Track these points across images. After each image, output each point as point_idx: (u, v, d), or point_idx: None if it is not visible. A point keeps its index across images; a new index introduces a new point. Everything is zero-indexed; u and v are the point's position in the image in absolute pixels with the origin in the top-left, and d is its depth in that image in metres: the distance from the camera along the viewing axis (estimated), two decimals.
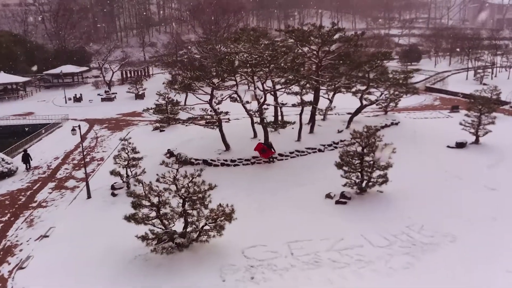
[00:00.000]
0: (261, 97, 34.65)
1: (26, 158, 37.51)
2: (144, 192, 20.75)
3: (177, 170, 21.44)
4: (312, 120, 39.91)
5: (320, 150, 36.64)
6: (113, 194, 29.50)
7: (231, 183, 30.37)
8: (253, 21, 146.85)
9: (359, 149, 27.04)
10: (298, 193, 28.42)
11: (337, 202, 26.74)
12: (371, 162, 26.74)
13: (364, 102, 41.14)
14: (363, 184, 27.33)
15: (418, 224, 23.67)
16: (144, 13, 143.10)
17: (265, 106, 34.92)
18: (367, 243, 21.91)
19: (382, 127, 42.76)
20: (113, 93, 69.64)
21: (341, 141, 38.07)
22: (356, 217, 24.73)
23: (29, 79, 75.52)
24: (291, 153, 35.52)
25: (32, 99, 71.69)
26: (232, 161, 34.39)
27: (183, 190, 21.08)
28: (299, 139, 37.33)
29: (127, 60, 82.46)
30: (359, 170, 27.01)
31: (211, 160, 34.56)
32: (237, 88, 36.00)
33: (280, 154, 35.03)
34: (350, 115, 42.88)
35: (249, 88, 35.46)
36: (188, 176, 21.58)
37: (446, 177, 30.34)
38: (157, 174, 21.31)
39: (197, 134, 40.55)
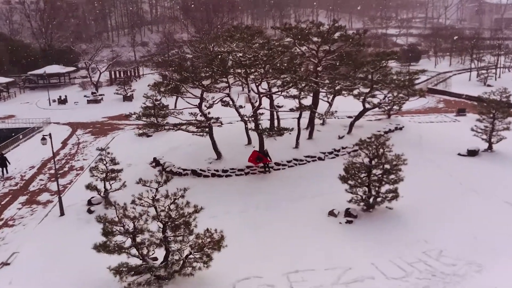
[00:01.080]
0: (256, 101, 31.54)
1: (3, 163, 34.28)
2: (118, 216, 17.56)
3: (157, 189, 18.24)
4: (311, 125, 36.80)
5: (320, 159, 33.56)
6: (90, 211, 26.24)
7: (222, 198, 27.24)
8: (248, 20, 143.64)
9: (366, 160, 24.00)
10: (297, 210, 25.31)
11: (342, 221, 23.62)
12: (380, 175, 23.67)
13: (367, 106, 38.09)
14: (371, 200, 24.26)
15: (436, 249, 20.58)
16: (136, 12, 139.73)
17: (260, 111, 31.83)
18: (379, 274, 18.79)
19: (386, 132, 39.73)
20: (100, 95, 66.25)
21: (343, 148, 35.10)
22: (365, 240, 21.63)
23: (12, 80, 71.92)
24: (288, 162, 32.41)
25: (15, 101, 68.18)
26: (223, 171, 31.21)
27: (163, 214, 17.89)
28: (297, 146, 34.24)
29: (116, 60, 79.04)
30: (367, 184, 23.93)
31: (200, 170, 31.36)
32: (229, 91, 32.87)
33: (276, 163, 31.91)
34: (351, 119, 39.85)
35: (243, 89, 32.29)
36: (170, 196, 18.39)
37: (461, 190, 27.30)
38: (133, 195, 18.10)
39: (186, 140, 37.35)
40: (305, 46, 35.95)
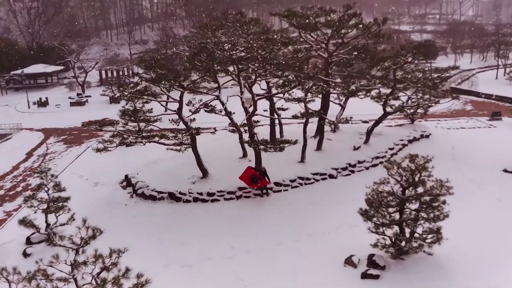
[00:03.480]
0: (250, 105, 25.00)
1: None
2: None
3: (77, 250, 11.75)
4: (320, 134, 30.16)
5: (331, 176, 26.88)
6: (25, 254, 19.75)
7: (202, 235, 20.69)
8: (253, 16, 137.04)
9: (397, 188, 17.34)
10: (301, 255, 18.69)
11: (365, 275, 16.93)
12: (418, 210, 16.97)
13: (388, 109, 31.34)
14: (404, 244, 17.57)
15: None
16: (136, 9, 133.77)
17: (257, 117, 25.30)
18: None
19: (410, 141, 33.11)
20: (86, 97, 59.93)
21: (360, 162, 28.45)
22: None
23: None
24: (292, 181, 25.79)
25: None
26: (209, 194, 24.63)
27: None
28: (302, 159, 27.65)
29: (105, 58, 72.67)
30: (398, 223, 17.25)
31: (180, 193, 24.80)
32: (219, 92, 26.34)
33: (276, 183, 25.31)
34: (368, 125, 33.18)
35: (241, 91, 25.58)
36: (105, 257, 11.89)
37: None
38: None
39: (168, 152, 30.85)
40: (312, 37, 29.34)
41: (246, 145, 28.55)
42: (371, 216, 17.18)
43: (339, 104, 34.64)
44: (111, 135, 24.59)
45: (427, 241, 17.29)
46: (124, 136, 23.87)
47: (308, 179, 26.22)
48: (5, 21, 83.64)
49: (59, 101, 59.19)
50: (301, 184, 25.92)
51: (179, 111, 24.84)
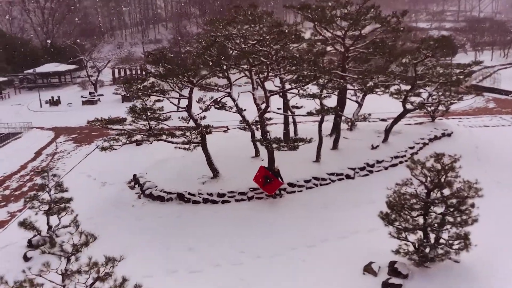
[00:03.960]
0: (262, 102, 23.79)
1: None
2: None
3: (69, 258, 10.73)
4: (336, 132, 28.83)
5: (348, 177, 25.52)
6: (26, 258, 18.81)
7: (211, 238, 19.52)
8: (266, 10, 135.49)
9: (421, 189, 15.97)
10: (316, 261, 17.43)
11: (386, 285, 15.59)
12: (443, 214, 15.58)
13: (408, 106, 29.83)
14: (428, 250, 16.18)
15: None
16: (151, 8, 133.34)
17: (269, 115, 24.08)
18: None
19: (431, 140, 31.56)
20: (98, 95, 59.33)
21: (378, 162, 27.02)
22: None
23: (5, 79, 65.66)
24: (306, 181, 24.49)
25: (7, 103, 61.86)
26: (219, 195, 23.48)
27: None
28: (318, 159, 26.34)
29: (117, 57, 72.01)
30: (422, 227, 15.87)
31: (189, 194, 23.69)
32: (231, 89, 25.19)
33: (290, 184, 24.05)
34: (386, 123, 31.73)
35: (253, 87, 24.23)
36: (100, 266, 10.80)
37: None
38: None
39: (178, 151, 29.83)
40: (328, 31, 28.01)
41: (258, 144, 27.39)
42: (393, 220, 15.83)
43: (356, 102, 33.24)
44: (117, 133, 23.46)
45: (454, 247, 15.88)
46: (131, 134, 22.75)
47: (323, 179, 24.90)
48: (19, 20, 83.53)
49: (71, 100, 58.67)
50: (316, 185, 24.61)
51: (188, 108, 23.73)
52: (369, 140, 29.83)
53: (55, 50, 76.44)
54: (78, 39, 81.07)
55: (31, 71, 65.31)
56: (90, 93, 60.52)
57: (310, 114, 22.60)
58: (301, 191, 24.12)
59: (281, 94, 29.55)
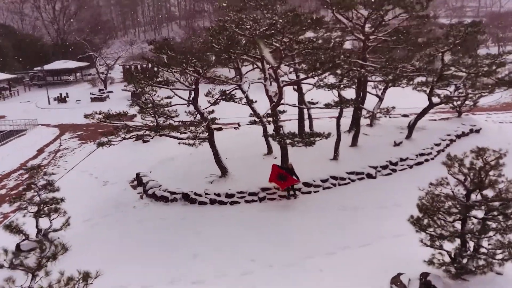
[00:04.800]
0: (275, 94, 21.71)
1: None
2: None
3: (34, 273, 8.81)
4: (355, 127, 26.64)
5: (370, 176, 23.32)
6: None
7: (219, 245, 17.47)
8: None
9: (458, 190, 13.72)
10: (336, 272, 15.24)
11: None
12: (487, 218, 13.31)
13: (435, 100, 27.47)
14: (466, 260, 13.91)
15: None
16: (164, 6, 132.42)
17: (282, 107, 21.97)
18: None
19: (458, 136, 29.15)
20: (107, 92, 57.91)
21: (402, 160, 24.76)
22: None
23: (14, 76, 64.67)
24: (323, 181, 22.36)
25: (16, 100, 60.90)
26: (228, 195, 21.46)
27: None
28: (335, 157, 24.20)
29: (127, 53, 70.48)
30: (460, 234, 13.62)
31: (195, 194, 21.72)
32: (241, 80, 23.19)
33: (306, 184, 21.93)
34: (410, 119, 29.45)
35: (265, 78, 21.97)
36: (75, 281, 8.85)
37: None
38: None
39: (187, 148, 27.90)
40: (347, 18, 25.78)
41: (271, 140, 25.33)
42: (426, 225, 13.61)
43: (376, 95, 30.96)
44: (114, 127, 21.61)
45: (497, 257, 13.60)
46: (131, 128, 20.86)
47: (342, 178, 22.74)
48: (31, 18, 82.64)
49: (80, 97, 57.32)
50: (334, 185, 22.46)
51: (194, 101, 21.76)
52: (390, 137, 27.60)
53: (66, 47, 75.34)
54: (89, 36, 79.82)
55: (39, 68, 64.16)
56: (100, 90, 59.25)
57: (328, 106, 20.41)
58: (317, 191, 21.98)
59: (295, 87, 27.54)
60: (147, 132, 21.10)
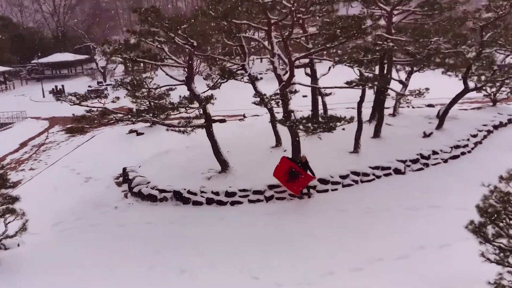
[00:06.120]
0: (285, 72, 18.08)
1: None
2: None
3: None
4: (378, 115, 22.91)
5: (398, 171, 19.58)
6: None
7: (215, 257, 13.85)
8: None
9: None
10: None
11: None
12: None
13: (471, 85, 23.64)
14: None
15: None
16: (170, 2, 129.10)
17: (294, 87, 18.28)
18: None
19: (495, 127, 25.36)
20: (106, 85, 54.57)
21: (435, 152, 20.96)
22: None
23: (9, 69, 61.62)
24: (343, 177, 18.66)
25: (11, 93, 57.83)
26: (228, 194, 17.84)
27: None
28: (356, 149, 20.51)
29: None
30: None
31: (189, 192, 18.13)
32: (246, 59, 19.55)
33: (321, 181, 18.25)
34: (439, 108, 25.75)
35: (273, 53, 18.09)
36: None
37: None
38: None
39: (183, 140, 24.38)
40: None
41: (280, 130, 21.73)
42: (491, 237, 9.88)
43: (400, 81, 27.31)
44: (87, 110, 18.13)
45: None
46: (107, 112, 17.36)
47: (365, 174, 19.03)
48: (30, 10, 79.69)
49: (78, 90, 53.72)
50: (356, 182, 18.75)
51: (188, 81, 18.17)
52: (418, 127, 23.88)
53: (66, 40, 72.21)
54: (91, 28, 76.54)
55: (35, 61, 61.12)
56: (98, 83, 56.06)
57: (349, 84, 16.58)
58: (336, 189, 18.29)
59: (308, 71, 23.93)
60: (127, 117, 17.52)
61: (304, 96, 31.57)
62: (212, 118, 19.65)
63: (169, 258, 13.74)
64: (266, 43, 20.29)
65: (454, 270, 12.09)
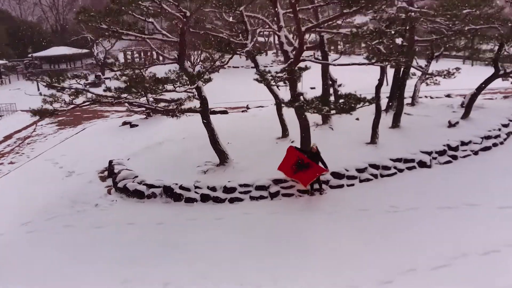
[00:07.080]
0: (293, 48, 15.53)
1: None
2: None
3: None
4: (398, 102, 20.36)
5: (423, 164, 17.02)
6: None
7: (208, 267, 11.30)
8: None
9: None
10: None
11: None
12: None
13: (502, 69, 21.01)
14: None
15: None
16: None
17: (303, 64, 15.68)
18: None
19: None
20: (105, 78, 52.44)
21: (464, 143, 18.35)
22: None
23: (4, 63, 59.47)
24: (360, 171, 16.11)
25: (5, 88, 55.63)
26: (227, 190, 15.31)
27: None
28: (374, 139, 17.98)
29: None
30: None
31: (181, 188, 15.61)
32: (248, 37, 17.03)
33: (335, 174, 15.69)
34: (464, 97, 23.28)
35: (280, 25, 15.41)
36: None
37: None
38: None
39: (180, 131, 21.93)
40: None
41: (287, 120, 19.22)
42: None
43: (419, 68, 24.82)
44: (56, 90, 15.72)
45: None
46: (79, 91, 15.00)
47: (386, 167, 16.46)
48: (29, 3, 77.64)
49: (75, 84, 51.79)
50: (375, 176, 16.19)
51: (180, 59, 15.67)
52: (441, 116, 21.43)
53: (63, 33, 70.00)
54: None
55: (31, 55, 58.97)
56: (96, 76, 53.79)
57: (369, 60, 13.96)
58: (352, 185, 15.73)
59: (318, 55, 21.38)
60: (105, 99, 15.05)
61: (312, 88, 29.16)
62: (213, 109, 17.27)
63: (150, 269, 11.21)
64: (270, 21, 17.90)
65: (509, 281, 9.62)
